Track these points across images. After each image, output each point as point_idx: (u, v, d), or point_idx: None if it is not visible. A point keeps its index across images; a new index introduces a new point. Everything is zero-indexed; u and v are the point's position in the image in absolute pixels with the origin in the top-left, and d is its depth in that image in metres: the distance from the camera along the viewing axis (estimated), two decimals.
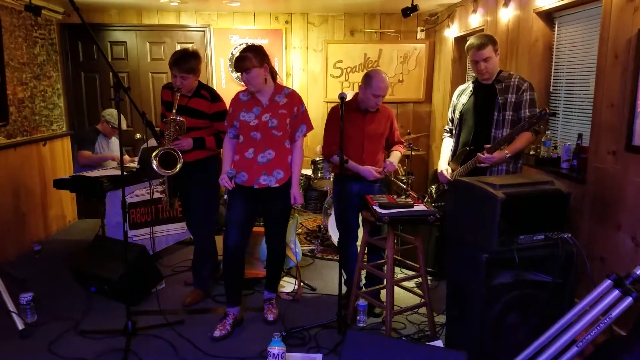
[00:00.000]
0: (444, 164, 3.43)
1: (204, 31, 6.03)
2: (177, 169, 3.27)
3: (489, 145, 3.03)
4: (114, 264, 3.55)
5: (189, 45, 5.88)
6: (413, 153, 4.98)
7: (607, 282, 2.09)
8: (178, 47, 5.77)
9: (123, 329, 3.08)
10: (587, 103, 3.39)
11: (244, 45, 5.93)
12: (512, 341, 2.46)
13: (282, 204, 3.22)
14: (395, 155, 3.51)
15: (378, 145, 3.44)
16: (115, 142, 4.90)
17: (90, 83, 6.01)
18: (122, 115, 4.68)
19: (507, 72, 3.19)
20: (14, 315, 3.18)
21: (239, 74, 5.92)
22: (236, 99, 3.20)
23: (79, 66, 5.95)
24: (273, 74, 3.17)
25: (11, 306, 3.21)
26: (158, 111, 5.95)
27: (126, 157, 4.86)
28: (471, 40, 3.15)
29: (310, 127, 3.26)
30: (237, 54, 3.08)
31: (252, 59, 2.97)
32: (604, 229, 2.96)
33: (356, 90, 6.04)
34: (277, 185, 3.15)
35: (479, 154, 3.06)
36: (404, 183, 4.81)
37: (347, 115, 3.31)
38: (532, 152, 3.75)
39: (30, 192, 4.89)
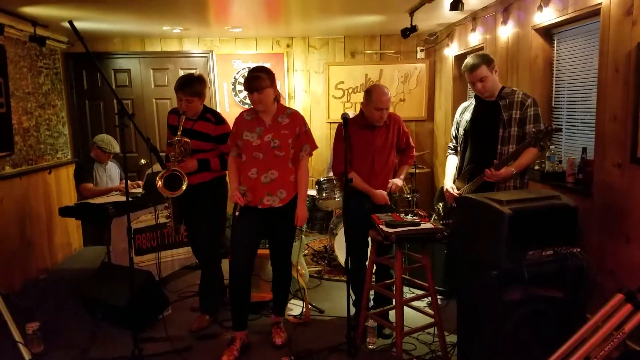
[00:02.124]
0: (449, 183, 3.42)
1: (206, 57, 6.11)
2: (183, 190, 3.27)
3: (497, 161, 3.03)
4: (120, 291, 3.52)
5: (193, 71, 5.91)
6: (417, 171, 4.99)
7: (619, 297, 2.07)
8: (181, 73, 5.82)
9: (130, 356, 3.05)
10: (589, 117, 3.39)
11: (247, 70, 6.05)
12: (525, 359, 2.42)
13: (287, 224, 3.22)
14: (399, 177, 3.51)
15: (389, 156, 3.44)
16: (111, 167, 4.88)
17: (95, 111, 6.07)
18: (115, 140, 4.74)
19: (509, 88, 3.20)
20: (21, 346, 3.14)
21: (242, 96, 6.06)
22: (240, 118, 3.23)
23: (84, 94, 6.02)
24: (277, 96, 3.20)
25: (17, 336, 3.18)
26: (162, 137, 5.99)
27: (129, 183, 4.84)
28: (465, 63, 3.17)
29: (314, 147, 3.27)
30: (248, 74, 3.11)
31: (265, 79, 3.03)
32: (613, 242, 2.93)
33: (358, 110, 6.11)
34: (280, 205, 3.15)
35: (486, 170, 3.06)
36: (409, 201, 4.81)
37: (355, 132, 3.34)
38: (537, 167, 3.74)
39: (36, 220, 4.90)
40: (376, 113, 3.28)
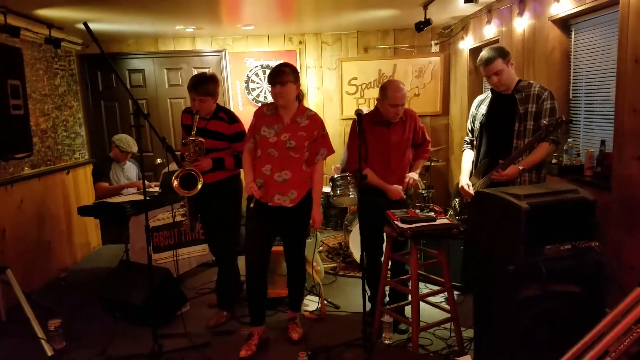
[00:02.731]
0: (465, 179, 3.38)
1: (219, 55, 6.13)
2: (198, 189, 3.30)
3: (502, 162, 3.00)
4: (138, 288, 3.57)
5: (206, 70, 5.96)
6: (432, 164, 4.95)
7: (638, 290, 2.03)
8: (195, 72, 5.86)
9: (149, 353, 3.09)
10: (608, 109, 3.34)
11: (259, 67, 6.07)
12: (543, 354, 2.40)
13: (298, 223, 3.23)
14: (415, 172, 3.50)
15: (405, 151, 3.43)
16: (129, 167, 4.94)
17: (110, 111, 6.13)
18: (133, 140, 4.79)
19: (526, 81, 3.16)
20: (43, 342, 3.21)
21: (255, 94, 6.07)
22: (260, 112, 3.24)
23: (99, 95, 6.09)
24: (300, 95, 3.21)
25: (40, 332, 3.25)
26: (177, 136, 6.04)
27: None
28: (480, 56, 3.14)
29: (330, 151, 3.27)
30: (273, 68, 3.15)
31: (289, 74, 3.06)
32: (633, 237, 2.88)
33: (372, 106, 6.08)
34: (291, 205, 3.15)
35: (493, 173, 3.04)
36: (424, 197, 4.78)
37: (371, 128, 3.32)
38: (554, 161, 3.69)
39: (55, 220, 4.98)
40: (391, 110, 3.26)
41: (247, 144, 3.27)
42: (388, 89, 3.24)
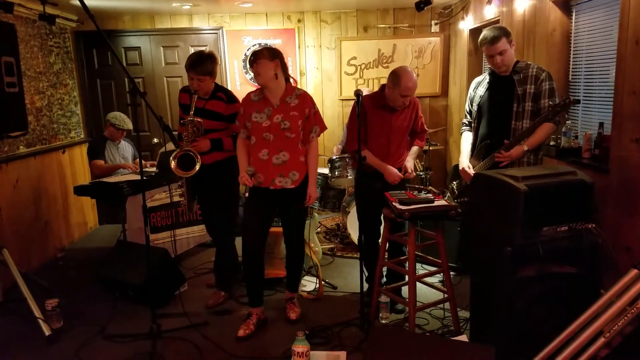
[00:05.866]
0: (465, 161, 3.37)
1: (217, 33, 6.06)
2: (196, 170, 3.28)
3: (507, 142, 2.99)
4: (137, 268, 3.58)
5: (203, 48, 5.86)
6: (431, 148, 4.94)
7: (634, 272, 2.05)
8: (192, 51, 5.80)
9: (148, 332, 3.11)
10: (607, 91, 3.33)
11: (258, 46, 6.00)
12: (539, 334, 2.42)
13: (299, 204, 3.22)
14: (411, 157, 3.48)
15: (404, 137, 3.41)
16: (124, 146, 4.92)
17: (106, 90, 6.07)
18: (127, 118, 4.75)
19: (524, 62, 3.15)
20: (40, 322, 3.23)
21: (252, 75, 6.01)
22: (247, 99, 3.21)
23: (95, 73, 6.02)
24: (285, 74, 3.17)
25: (37, 312, 3.26)
26: (174, 115, 5.99)
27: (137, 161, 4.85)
28: (484, 35, 3.10)
29: (323, 128, 3.27)
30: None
31: (264, 53, 3.06)
32: (630, 219, 2.89)
33: (371, 87, 6.04)
34: (293, 186, 3.15)
35: (497, 154, 3.03)
36: (422, 179, 4.78)
37: (373, 111, 3.29)
38: (552, 143, 3.69)
39: (51, 200, 4.96)
40: (400, 99, 3.20)
41: (240, 134, 3.25)
42: (402, 79, 3.13)
